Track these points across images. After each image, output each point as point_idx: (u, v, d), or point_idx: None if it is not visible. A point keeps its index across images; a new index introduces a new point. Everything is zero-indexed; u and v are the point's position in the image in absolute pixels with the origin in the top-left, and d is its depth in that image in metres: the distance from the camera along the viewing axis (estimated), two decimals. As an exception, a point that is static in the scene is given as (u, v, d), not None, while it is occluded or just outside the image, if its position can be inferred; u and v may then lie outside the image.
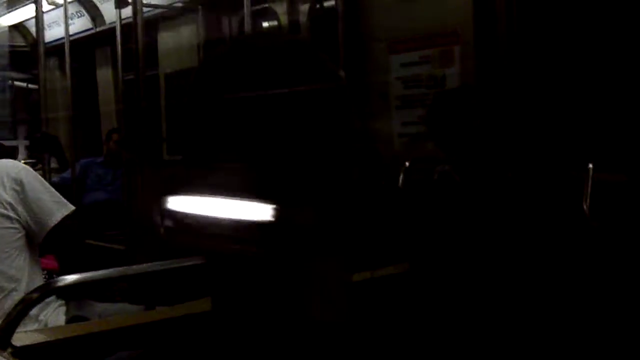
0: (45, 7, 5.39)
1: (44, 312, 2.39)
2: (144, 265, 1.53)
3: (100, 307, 2.49)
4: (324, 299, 0.55)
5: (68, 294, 2.45)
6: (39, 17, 4.10)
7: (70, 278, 1.50)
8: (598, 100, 3.40)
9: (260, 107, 0.54)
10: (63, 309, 2.47)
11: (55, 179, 4.84)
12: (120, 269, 1.57)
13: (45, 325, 2.36)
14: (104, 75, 7.03)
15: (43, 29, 3.88)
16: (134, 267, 1.56)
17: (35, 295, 1.41)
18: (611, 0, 3.30)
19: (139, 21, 2.76)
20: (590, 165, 3.06)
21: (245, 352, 0.52)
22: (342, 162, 0.56)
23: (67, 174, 5.22)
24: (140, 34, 2.79)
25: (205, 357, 0.54)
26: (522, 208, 1.81)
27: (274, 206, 0.54)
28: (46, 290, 1.54)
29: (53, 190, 2.48)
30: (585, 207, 2.99)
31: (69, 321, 2.39)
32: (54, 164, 5.09)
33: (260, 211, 0.55)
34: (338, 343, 0.52)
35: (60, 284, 1.49)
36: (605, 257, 1.79)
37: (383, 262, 1.79)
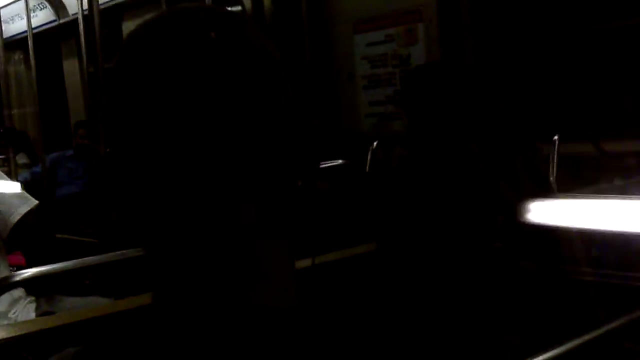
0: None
1: (14, 309, 2.36)
2: (105, 255, 1.51)
3: (71, 301, 2.47)
4: (269, 284, 0.54)
5: (38, 290, 2.43)
6: (-4, 9, 4.02)
7: (31, 271, 1.49)
8: (560, 76, 3.42)
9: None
10: (33, 305, 2.44)
11: (26, 174, 4.78)
12: (81, 260, 1.56)
13: (15, 321, 2.33)
14: (71, 67, 6.93)
15: (0, 22, 3.78)
16: (95, 257, 1.55)
17: (-8, 289, 1.39)
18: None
19: (96, 11, 2.71)
20: (556, 137, 3.08)
21: (189, 340, 0.51)
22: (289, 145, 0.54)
23: (37, 168, 5.15)
24: (98, 23, 2.74)
25: (153, 348, 0.53)
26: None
27: None
28: (5, 284, 1.53)
29: (16, 185, 2.44)
30: (551, 178, 3.01)
31: (39, 317, 2.37)
32: (23, 160, 5.01)
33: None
34: (286, 329, 0.52)
35: (20, 277, 1.47)
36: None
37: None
